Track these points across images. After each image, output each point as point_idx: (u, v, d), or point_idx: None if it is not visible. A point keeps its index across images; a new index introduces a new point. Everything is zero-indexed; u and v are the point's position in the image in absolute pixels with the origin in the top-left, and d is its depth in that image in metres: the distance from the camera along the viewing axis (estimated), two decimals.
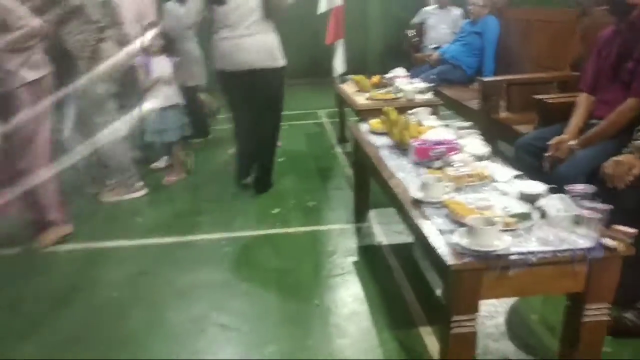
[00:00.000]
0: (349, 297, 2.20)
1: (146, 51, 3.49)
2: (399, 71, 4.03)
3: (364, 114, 3.43)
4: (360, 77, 3.98)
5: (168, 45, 3.64)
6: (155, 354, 1.91)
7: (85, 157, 3.35)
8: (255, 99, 3.19)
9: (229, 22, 3.03)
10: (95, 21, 3.09)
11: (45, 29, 2.72)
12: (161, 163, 4.01)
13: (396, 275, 2.35)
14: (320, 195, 3.38)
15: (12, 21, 2.51)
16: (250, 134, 3.32)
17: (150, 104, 3.45)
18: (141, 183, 3.49)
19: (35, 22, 2.62)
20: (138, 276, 2.46)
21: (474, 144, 2.12)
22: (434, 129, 2.25)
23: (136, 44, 3.50)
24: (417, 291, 2.21)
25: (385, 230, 2.78)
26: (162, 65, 3.51)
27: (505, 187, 1.73)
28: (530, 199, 1.59)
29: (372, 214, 2.95)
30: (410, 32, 5.86)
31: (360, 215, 2.94)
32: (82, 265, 2.62)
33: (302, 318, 2.08)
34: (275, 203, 3.25)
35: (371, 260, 2.51)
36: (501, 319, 1.98)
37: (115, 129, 3.24)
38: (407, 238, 2.65)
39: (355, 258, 2.54)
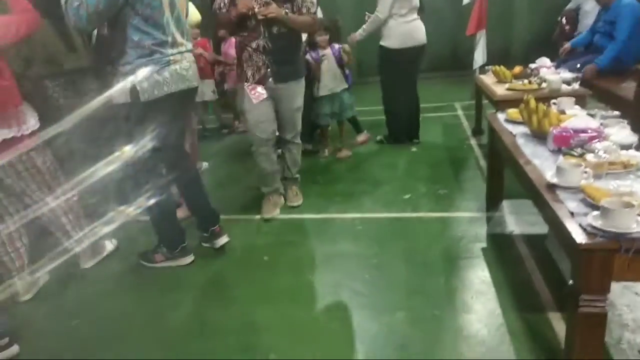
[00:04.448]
0: (476, 279, 2.27)
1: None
2: (544, 61, 3.87)
3: (503, 105, 3.37)
4: (499, 68, 3.90)
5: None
6: (296, 312, 2.19)
7: None
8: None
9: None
10: None
11: None
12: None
13: (527, 264, 2.36)
14: (452, 184, 3.44)
15: None
16: (413, 96, 4.26)
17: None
18: None
19: None
20: (285, 245, 2.81)
21: (621, 133, 2.04)
22: (577, 117, 2.19)
23: None
24: (549, 280, 2.20)
25: (517, 221, 2.76)
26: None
27: None
28: None
29: (505, 205, 2.93)
30: (563, 20, 5.53)
31: (492, 204, 2.95)
32: (236, 233, 3.03)
33: (430, 292, 2.21)
34: (407, 189, 3.39)
35: (501, 248, 2.53)
36: None
37: None
38: (540, 229, 2.61)
39: (484, 244, 2.58)
